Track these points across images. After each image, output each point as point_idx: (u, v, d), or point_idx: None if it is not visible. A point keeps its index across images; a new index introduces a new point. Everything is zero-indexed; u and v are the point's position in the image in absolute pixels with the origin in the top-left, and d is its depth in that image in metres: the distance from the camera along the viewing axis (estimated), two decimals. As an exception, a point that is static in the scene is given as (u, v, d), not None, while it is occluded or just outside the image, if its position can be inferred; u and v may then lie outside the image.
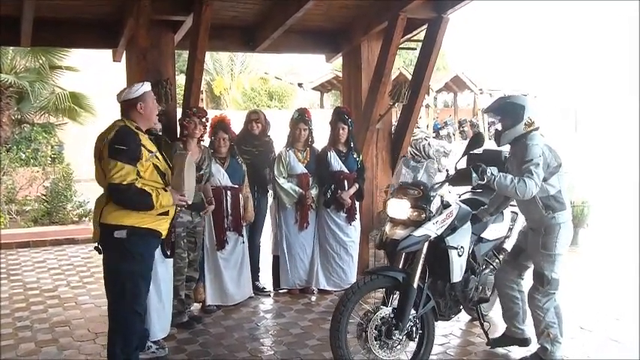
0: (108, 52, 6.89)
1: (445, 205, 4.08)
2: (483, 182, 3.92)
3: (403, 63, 27.98)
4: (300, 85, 25.65)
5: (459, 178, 4.07)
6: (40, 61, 11.10)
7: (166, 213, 3.82)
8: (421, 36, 6.32)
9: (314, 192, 5.85)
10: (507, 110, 4.10)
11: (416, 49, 6.79)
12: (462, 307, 4.54)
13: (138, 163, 3.62)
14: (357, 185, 5.89)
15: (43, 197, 9.91)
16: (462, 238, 4.13)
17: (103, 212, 3.71)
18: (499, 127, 4.19)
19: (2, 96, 11.04)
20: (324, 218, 5.91)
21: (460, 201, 4.54)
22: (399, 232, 3.92)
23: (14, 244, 8.25)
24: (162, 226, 3.84)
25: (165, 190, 3.74)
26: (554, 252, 4.07)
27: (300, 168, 5.82)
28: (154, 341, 4.47)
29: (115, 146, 3.59)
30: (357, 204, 6.02)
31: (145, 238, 3.75)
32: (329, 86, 26.81)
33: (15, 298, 5.93)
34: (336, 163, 5.84)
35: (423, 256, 3.95)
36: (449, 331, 4.91)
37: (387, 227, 4.03)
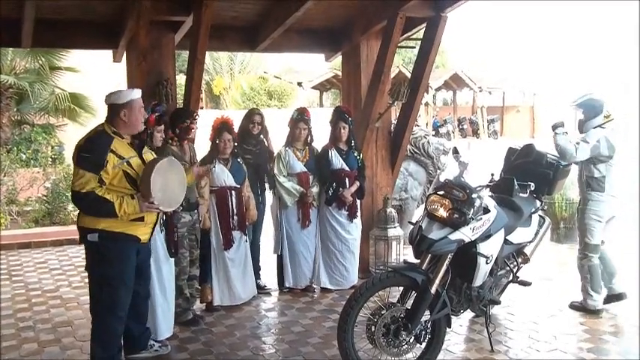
0: (108, 53, 6.90)
1: (485, 210, 4.02)
2: (525, 195, 4.47)
3: (402, 61, 27.96)
4: (299, 84, 25.56)
5: (501, 186, 4.48)
6: (40, 62, 11.11)
7: (141, 219, 3.80)
8: (420, 34, 6.34)
9: (315, 190, 5.88)
10: (589, 105, 5.15)
11: (415, 47, 6.80)
12: (472, 305, 4.38)
13: (102, 170, 3.62)
14: (358, 183, 5.92)
15: (44, 198, 9.91)
16: (494, 247, 4.11)
17: (79, 215, 3.82)
18: (582, 118, 5.23)
19: (2, 97, 11.05)
20: (325, 216, 5.94)
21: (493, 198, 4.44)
22: (437, 232, 3.86)
23: (15, 245, 8.26)
24: (140, 231, 3.84)
25: (133, 198, 3.71)
26: (585, 220, 5.15)
27: (300, 166, 5.85)
28: (157, 340, 4.49)
29: (80, 154, 3.66)
30: (359, 202, 6.05)
31: (117, 242, 3.77)
32: (328, 85, 26.80)
33: (17, 299, 5.95)
34: (338, 162, 5.87)
35: (448, 260, 3.89)
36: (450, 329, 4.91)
37: (425, 223, 3.94)
